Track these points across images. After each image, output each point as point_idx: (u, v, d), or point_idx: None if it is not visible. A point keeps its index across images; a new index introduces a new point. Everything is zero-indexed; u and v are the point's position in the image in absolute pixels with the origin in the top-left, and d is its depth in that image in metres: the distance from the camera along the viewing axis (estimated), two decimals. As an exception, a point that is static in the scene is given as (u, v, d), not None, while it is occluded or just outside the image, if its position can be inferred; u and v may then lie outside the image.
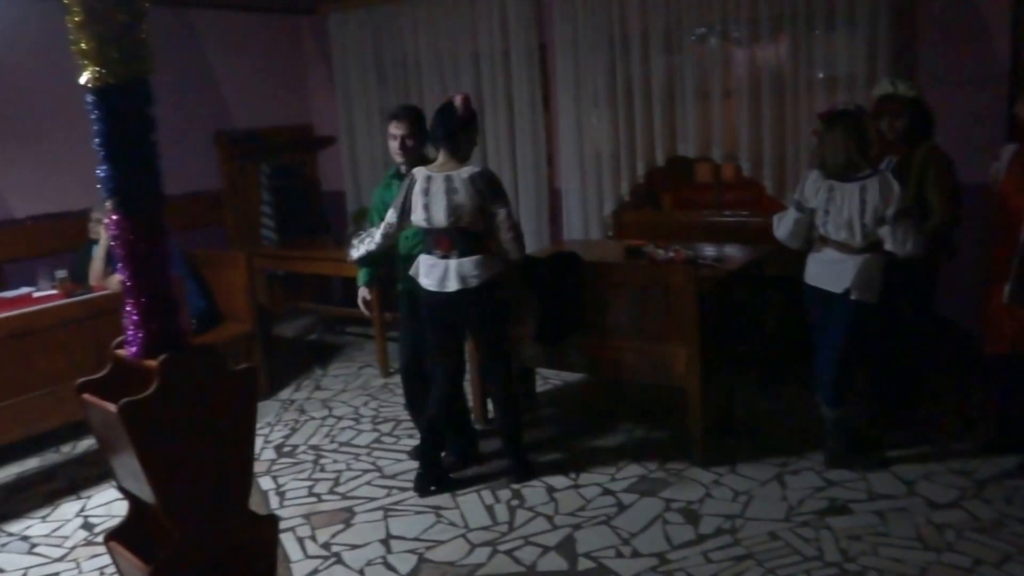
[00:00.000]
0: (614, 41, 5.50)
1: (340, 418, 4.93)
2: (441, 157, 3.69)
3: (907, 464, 3.78)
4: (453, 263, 3.63)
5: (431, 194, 3.60)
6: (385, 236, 3.78)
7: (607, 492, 3.78)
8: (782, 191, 5.10)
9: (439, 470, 3.94)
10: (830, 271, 3.61)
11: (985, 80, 4.52)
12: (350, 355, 6.17)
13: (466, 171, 3.62)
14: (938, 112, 3.94)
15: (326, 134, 7.28)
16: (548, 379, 5.24)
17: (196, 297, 5.24)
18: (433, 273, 3.66)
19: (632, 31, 5.41)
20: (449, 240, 3.62)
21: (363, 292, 4.22)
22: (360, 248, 3.88)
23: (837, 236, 3.56)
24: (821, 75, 4.89)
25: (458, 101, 3.67)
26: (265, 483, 4.12)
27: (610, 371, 4.22)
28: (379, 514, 3.74)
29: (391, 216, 3.73)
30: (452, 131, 3.65)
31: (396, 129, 3.89)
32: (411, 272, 3.78)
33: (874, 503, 3.49)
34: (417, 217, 3.64)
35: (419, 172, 3.68)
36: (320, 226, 7.18)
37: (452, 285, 3.63)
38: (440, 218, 3.59)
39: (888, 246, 3.49)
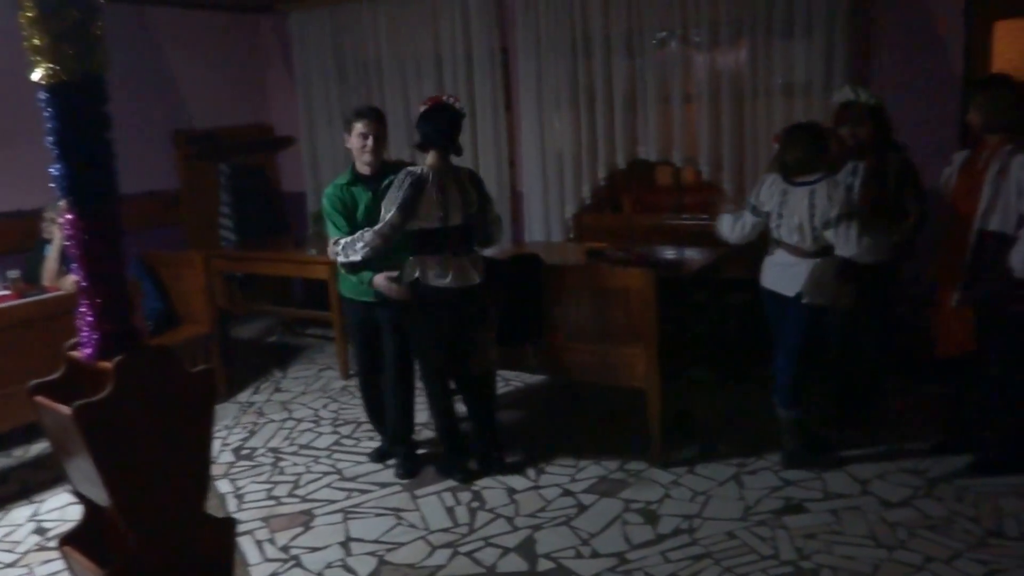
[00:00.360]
0: (576, 44, 5.53)
1: (300, 420, 4.88)
2: (436, 159, 3.68)
3: (861, 464, 3.86)
4: (467, 259, 3.74)
5: (448, 193, 3.64)
6: (386, 237, 3.60)
7: (567, 493, 3.80)
8: (741, 195, 5.17)
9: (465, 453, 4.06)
10: (783, 275, 3.69)
11: (939, 88, 4.64)
12: (310, 357, 6.12)
13: (465, 170, 3.78)
14: (894, 120, 4.03)
15: (286, 134, 7.21)
16: (509, 381, 5.25)
17: (152, 298, 5.17)
18: (450, 272, 3.69)
19: (594, 34, 5.45)
20: (461, 238, 3.72)
21: (382, 276, 3.76)
22: (354, 253, 3.65)
23: (790, 239, 3.64)
24: (780, 81, 4.97)
25: (453, 101, 3.74)
26: (223, 486, 4.07)
27: (570, 373, 4.25)
28: (339, 516, 3.72)
29: (395, 217, 3.56)
30: (455, 132, 3.70)
31: (366, 128, 3.82)
32: (419, 276, 3.69)
33: (829, 502, 3.56)
34: (431, 218, 3.62)
35: (427, 172, 3.64)
36: (280, 227, 7.12)
37: (476, 278, 3.75)
38: (458, 217, 3.67)
39: (837, 249, 3.57)
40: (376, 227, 3.63)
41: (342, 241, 3.73)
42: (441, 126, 3.66)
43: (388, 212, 3.60)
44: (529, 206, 6.00)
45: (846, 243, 3.52)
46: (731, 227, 3.89)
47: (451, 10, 5.97)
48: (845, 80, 4.56)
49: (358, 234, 3.68)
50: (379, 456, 4.23)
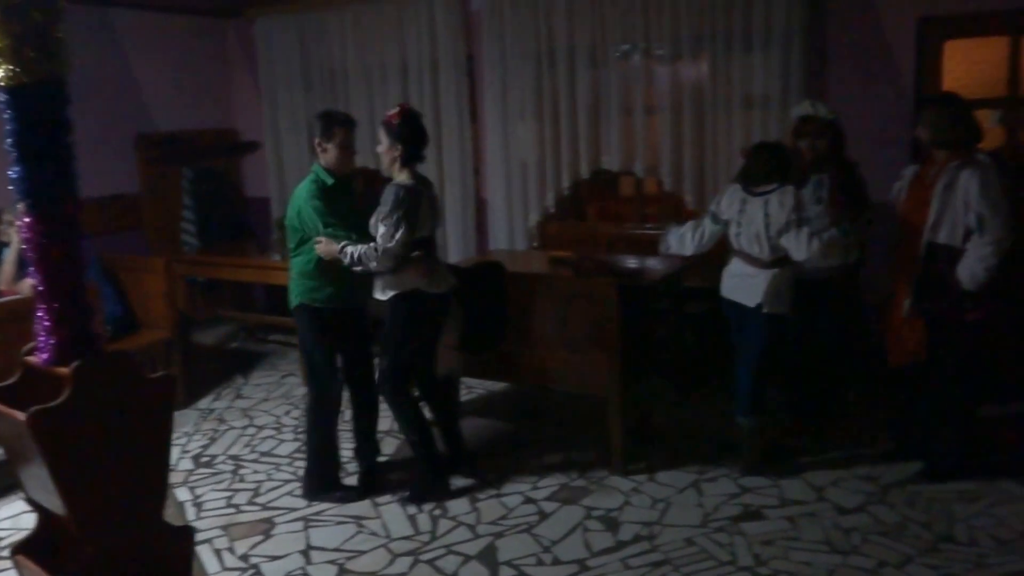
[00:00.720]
0: (541, 55, 5.58)
1: (261, 427, 4.84)
2: (412, 171, 3.69)
3: (817, 470, 3.93)
4: (443, 264, 3.94)
5: (435, 205, 3.79)
6: (397, 256, 3.56)
7: (529, 500, 3.82)
8: (702, 205, 5.25)
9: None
10: (742, 285, 3.78)
11: (891, 104, 4.76)
12: (273, 363, 6.07)
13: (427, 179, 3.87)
14: (848, 135, 4.14)
15: (251, 139, 7.16)
16: (472, 388, 5.26)
17: (112, 303, 5.10)
18: (441, 278, 3.79)
19: (559, 45, 5.50)
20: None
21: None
22: (367, 269, 3.59)
23: (750, 250, 3.72)
24: (739, 94, 5.06)
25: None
26: (182, 494, 4.02)
27: (533, 380, 4.28)
28: (300, 524, 3.70)
29: (405, 235, 3.53)
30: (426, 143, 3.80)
31: (350, 138, 3.77)
32: (415, 284, 3.68)
33: (786, 509, 3.62)
34: (425, 227, 3.68)
35: (417, 184, 3.66)
36: (243, 232, 7.06)
37: (454, 280, 3.88)
38: (439, 223, 3.87)
39: (791, 253, 3.66)
40: (385, 245, 3.52)
41: (351, 251, 3.56)
42: (420, 138, 3.68)
43: (397, 230, 3.52)
44: (494, 214, 6.03)
45: (797, 247, 3.62)
46: (690, 237, 3.97)
47: (417, 18, 5.99)
48: (803, 95, 4.67)
49: (365, 249, 3.55)
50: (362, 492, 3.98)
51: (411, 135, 3.64)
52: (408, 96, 6.12)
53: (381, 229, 3.56)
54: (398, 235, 3.53)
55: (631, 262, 4.73)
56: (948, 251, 3.48)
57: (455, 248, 6.19)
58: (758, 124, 4.98)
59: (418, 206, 3.60)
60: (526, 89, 5.67)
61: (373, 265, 3.56)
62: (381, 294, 3.74)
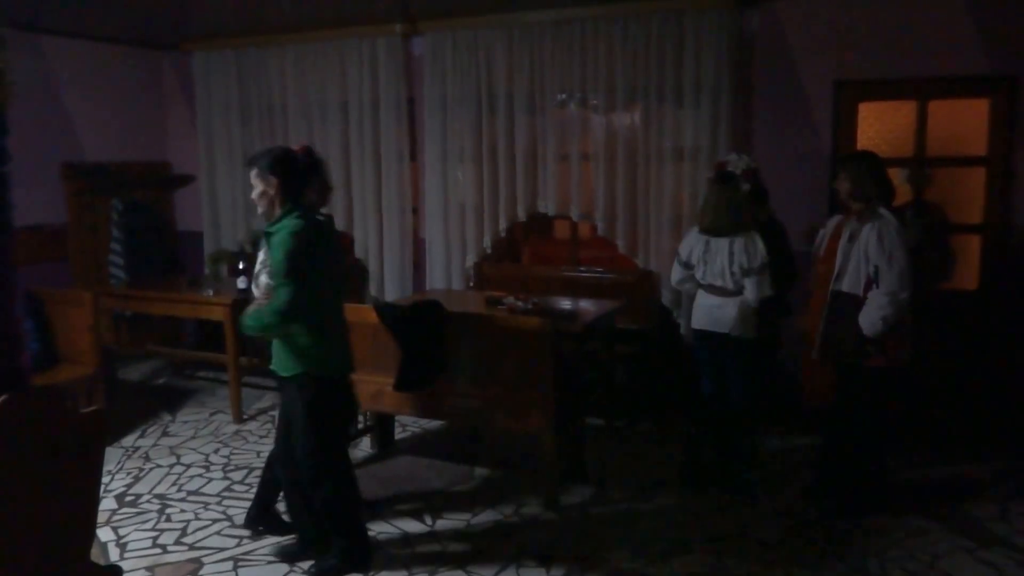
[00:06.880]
0: (480, 100, 5.72)
1: (188, 466, 4.74)
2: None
3: (743, 506, 4.06)
4: None
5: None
6: None
7: (463, 537, 3.84)
8: (634, 250, 5.42)
9: None
10: (713, 316, 4.03)
11: (811, 160, 5.04)
12: (201, 400, 5.96)
13: None
14: (771, 186, 4.36)
15: (185, 172, 7.08)
16: (406, 426, 5.27)
17: (30, 338, 4.95)
18: None
19: (498, 91, 5.65)
20: None
21: None
22: None
23: (714, 282, 3.98)
24: (670, 145, 5.27)
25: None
26: (105, 534, 3.91)
27: (468, 418, 4.32)
28: (229, 565, 3.64)
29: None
30: None
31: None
32: None
33: (712, 543, 3.73)
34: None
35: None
36: (174, 266, 6.95)
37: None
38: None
39: (747, 294, 3.93)
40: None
41: None
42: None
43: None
44: (431, 254, 6.09)
45: (752, 290, 3.94)
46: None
47: (359, 58, 6.06)
48: (730, 147, 4.90)
49: None
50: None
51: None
52: (348, 133, 6.18)
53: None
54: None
55: (565, 304, 4.84)
56: (851, 299, 3.68)
57: (392, 286, 6.22)
58: (688, 174, 5.19)
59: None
60: (465, 132, 5.78)
61: None
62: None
